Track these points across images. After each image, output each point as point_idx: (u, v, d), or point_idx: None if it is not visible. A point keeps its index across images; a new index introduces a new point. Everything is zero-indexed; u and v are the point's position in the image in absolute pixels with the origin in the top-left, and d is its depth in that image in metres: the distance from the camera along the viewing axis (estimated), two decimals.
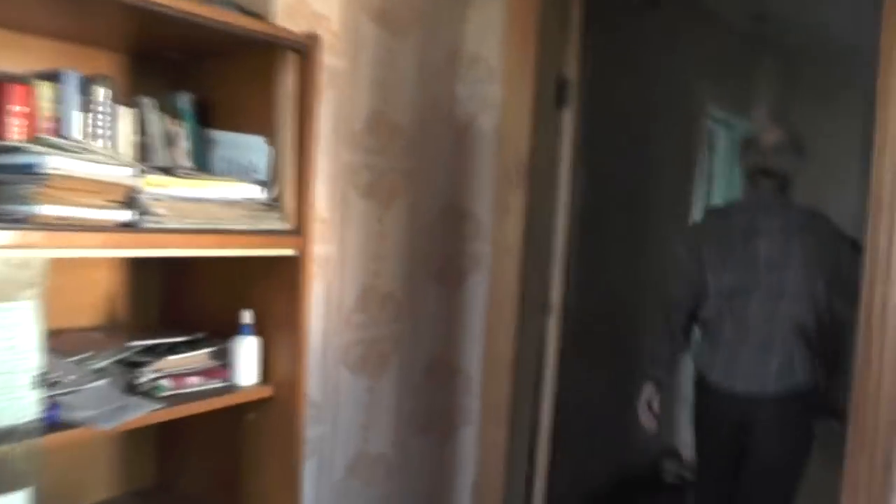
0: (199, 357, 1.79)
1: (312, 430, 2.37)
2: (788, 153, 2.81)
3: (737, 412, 2.78)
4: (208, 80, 1.96)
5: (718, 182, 6.00)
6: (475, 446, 2.95)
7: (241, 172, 1.86)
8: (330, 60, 2.30)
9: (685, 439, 5.19)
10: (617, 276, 4.11)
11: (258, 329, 1.87)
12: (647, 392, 2.94)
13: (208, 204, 1.66)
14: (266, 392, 1.88)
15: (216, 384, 1.80)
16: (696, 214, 5.28)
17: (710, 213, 3.19)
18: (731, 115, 5.82)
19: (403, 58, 2.62)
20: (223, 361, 1.85)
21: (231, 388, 1.82)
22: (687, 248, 2.88)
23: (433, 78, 2.77)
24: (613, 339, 4.15)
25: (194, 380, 1.75)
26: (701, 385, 2.92)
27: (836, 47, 6.30)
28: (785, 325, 2.69)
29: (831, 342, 2.71)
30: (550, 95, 2.78)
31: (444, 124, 2.84)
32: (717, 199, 6.03)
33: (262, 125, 1.86)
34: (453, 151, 2.88)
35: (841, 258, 2.65)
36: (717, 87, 5.36)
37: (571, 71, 2.82)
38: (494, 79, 2.80)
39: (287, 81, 1.82)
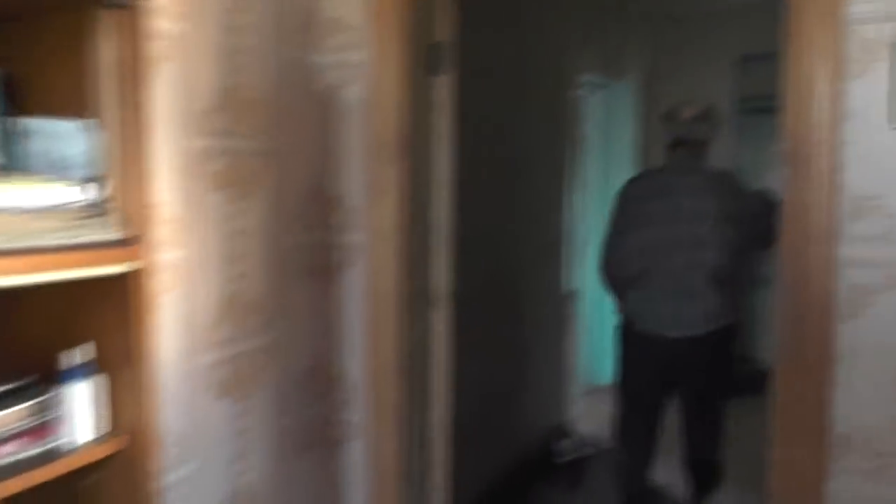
0: (14, 415, 1.36)
1: (175, 474, 2.00)
2: (704, 124, 3.22)
3: (668, 353, 3.11)
4: (14, 51, 1.54)
5: (593, 150, 5.88)
6: (365, 461, 2.64)
7: (56, 168, 1.46)
8: (165, 24, 1.91)
9: (575, 416, 5.08)
10: (500, 255, 3.89)
11: (101, 366, 1.48)
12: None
13: (8, 214, 1.26)
14: (107, 449, 1.48)
15: (37, 449, 1.38)
16: (575, 184, 5.14)
17: (635, 177, 3.41)
18: (603, 80, 5.69)
19: (256, 20, 2.24)
20: (51, 415, 1.43)
21: (57, 453, 1.41)
22: (616, 208, 3.24)
23: (291, 44, 2.41)
24: (500, 322, 3.93)
25: (7, 448, 1.34)
26: (630, 331, 3.23)
27: (703, 9, 6.33)
28: (706, 272, 3.03)
29: (743, 281, 3.23)
30: (423, 61, 2.47)
31: (307, 97, 2.49)
32: (597, 169, 5.93)
33: (79, 106, 1.46)
34: (319, 128, 2.54)
35: (747, 208, 3.08)
36: (590, 52, 5.20)
37: (445, 34, 2.52)
38: (361, 44, 2.46)
39: (106, 48, 1.43)
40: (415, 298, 2.51)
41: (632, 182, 3.34)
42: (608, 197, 5.94)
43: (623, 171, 5.87)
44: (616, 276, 3.20)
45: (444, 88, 2.51)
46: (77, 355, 1.44)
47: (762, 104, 6.70)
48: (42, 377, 1.44)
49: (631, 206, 3.18)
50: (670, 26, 6.39)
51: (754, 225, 2.99)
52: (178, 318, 2.00)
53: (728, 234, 3.03)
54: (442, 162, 2.59)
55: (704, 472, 3.31)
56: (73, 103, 1.46)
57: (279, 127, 2.35)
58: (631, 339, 3.24)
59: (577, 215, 5.61)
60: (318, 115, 2.52)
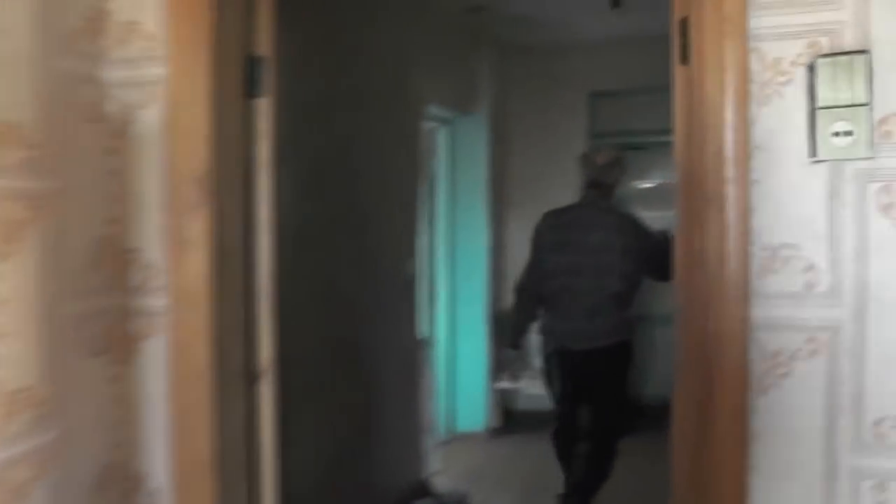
0: None
1: None
2: (614, 169, 3.74)
3: (577, 363, 3.68)
4: None
5: (441, 188, 5.51)
6: None
7: None
8: None
9: (436, 470, 4.64)
10: (341, 308, 3.39)
11: None
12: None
13: None
14: None
15: None
16: (425, 223, 4.73)
17: (552, 211, 3.88)
18: (452, 113, 5.34)
19: (15, 21, 1.69)
20: None
21: None
22: (535, 237, 3.85)
23: (67, 53, 1.86)
24: (342, 381, 3.43)
25: None
26: (547, 347, 3.83)
27: (554, 41, 6.14)
28: (607, 295, 3.59)
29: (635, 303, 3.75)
30: (238, 79, 1.97)
31: (92, 122, 1.94)
32: (445, 207, 5.56)
33: None
34: (109, 162, 1.99)
35: (646, 245, 3.59)
36: (437, 81, 4.84)
37: (265, 47, 2.04)
38: (161, 56, 1.94)
39: None
40: (233, 374, 1.99)
41: (549, 215, 3.87)
42: (457, 238, 5.71)
43: (473, 209, 5.53)
44: (532, 295, 3.83)
45: (264, 114, 2.02)
46: None
47: (614, 141, 6.61)
48: None
49: (547, 235, 3.79)
50: (521, 59, 6.16)
51: (653, 260, 3.46)
52: None
53: (628, 265, 3.59)
54: (263, 205, 2.08)
55: (596, 468, 3.88)
56: None
57: (52, 160, 1.79)
58: (549, 354, 3.84)
59: (427, 257, 5.21)
60: (107, 144, 1.97)
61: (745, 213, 1.52)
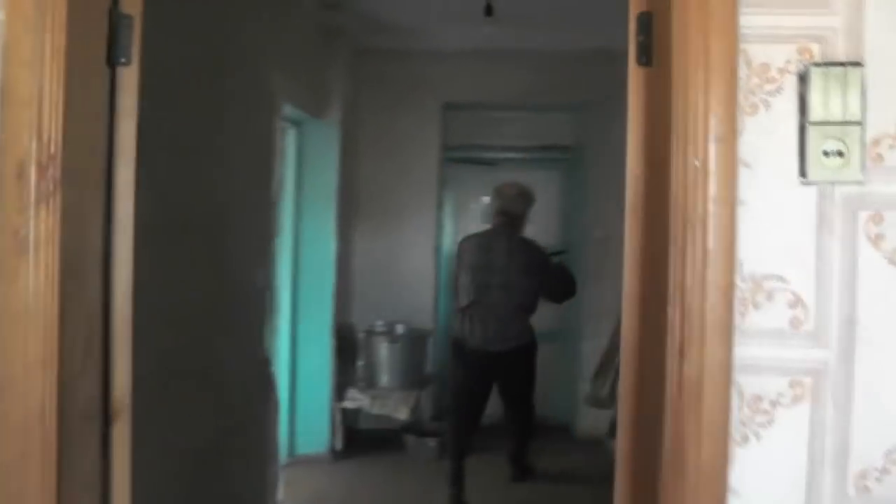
0: None
1: None
2: (521, 200, 4.54)
3: (488, 363, 4.41)
4: None
5: (289, 192, 5.10)
6: None
7: None
8: None
9: (282, 496, 4.21)
10: (181, 330, 2.92)
11: None
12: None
13: None
14: None
15: None
16: (278, 234, 4.31)
17: (469, 236, 4.64)
18: (301, 114, 4.95)
19: None
20: None
21: None
22: (456, 258, 4.55)
23: None
24: (192, 408, 2.96)
25: None
26: (460, 350, 4.48)
27: (411, 48, 5.88)
28: (514, 306, 4.40)
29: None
30: (100, 40, 1.53)
31: None
32: (291, 216, 5.14)
33: None
34: None
35: (543, 265, 4.48)
36: (289, 79, 4.44)
37: (134, 4, 1.61)
38: None
39: None
40: (81, 417, 1.55)
41: (467, 239, 4.63)
42: (302, 248, 5.29)
43: (320, 218, 5.17)
44: (456, 305, 4.54)
45: (128, 86, 1.58)
46: None
47: (466, 155, 6.47)
48: None
49: (465, 255, 4.49)
50: (376, 64, 5.86)
51: (549, 281, 4.48)
52: None
53: (529, 282, 4.42)
54: (122, 200, 1.65)
55: (521, 436, 4.87)
56: None
57: None
58: (461, 350, 4.51)
59: (275, 269, 4.79)
60: None
61: (731, 237, 1.30)
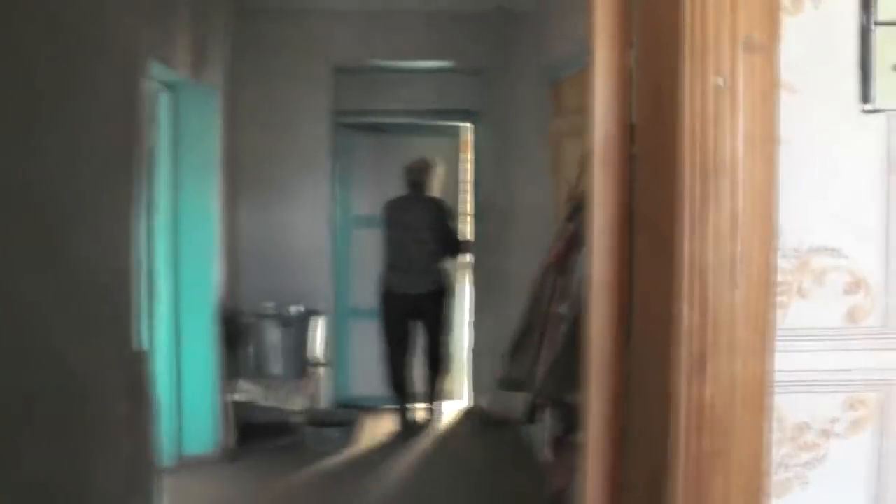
0: None
1: None
2: (425, 171, 5.19)
3: (410, 304, 5.07)
4: None
5: (164, 164, 4.45)
6: None
7: None
8: None
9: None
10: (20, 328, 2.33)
11: None
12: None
13: None
14: None
15: None
16: (144, 209, 3.69)
17: (390, 200, 5.17)
18: (175, 76, 4.29)
19: None
20: None
21: None
22: (381, 218, 5.13)
23: None
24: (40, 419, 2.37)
25: None
26: (387, 294, 5.07)
27: (298, 7, 5.28)
28: (427, 254, 5.05)
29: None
30: None
31: None
32: (167, 188, 4.48)
33: None
34: None
35: (446, 220, 5.13)
36: (159, 32, 3.80)
37: None
38: None
39: None
40: None
41: (388, 202, 5.16)
42: (181, 226, 4.65)
43: (200, 193, 4.54)
44: (384, 260, 5.09)
45: None
46: None
47: (359, 120, 5.92)
48: None
49: (386, 215, 5.09)
50: (261, 23, 5.23)
51: (450, 235, 5.15)
52: None
53: (437, 234, 5.06)
54: None
55: (437, 367, 5.28)
56: None
57: None
58: (389, 296, 5.07)
59: (144, 250, 4.16)
60: None
61: (770, 194, 0.86)
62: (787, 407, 0.89)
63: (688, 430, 0.86)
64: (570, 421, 2.82)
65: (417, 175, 5.15)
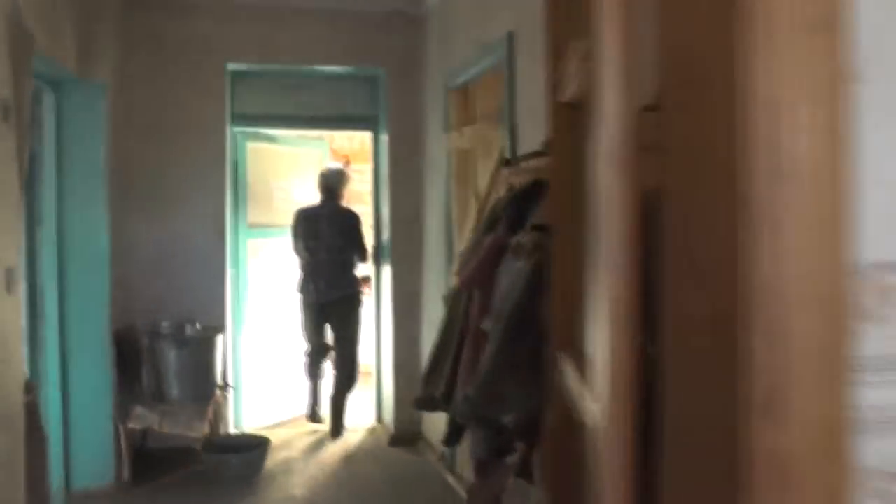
0: None
1: None
2: (338, 179, 5.49)
3: (321, 310, 5.38)
4: None
5: (49, 171, 4.05)
6: None
7: None
8: None
9: None
10: None
11: None
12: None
13: None
14: None
15: None
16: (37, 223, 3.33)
17: (302, 208, 5.44)
18: (61, 72, 3.94)
19: None
20: None
21: None
22: (293, 229, 5.41)
23: None
24: None
25: None
26: (304, 302, 5.40)
27: (192, 3, 4.96)
28: (339, 263, 5.36)
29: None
30: None
31: None
32: (52, 198, 4.08)
33: None
34: None
35: (357, 230, 5.43)
36: (44, 22, 3.45)
37: None
38: None
39: None
40: None
41: (301, 211, 5.40)
42: (68, 239, 4.21)
43: (89, 202, 4.17)
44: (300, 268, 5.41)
45: None
46: None
47: (259, 127, 5.62)
48: None
49: (299, 224, 5.35)
50: (154, 19, 4.89)
51: (362, 244, 5.45)
52: None
53: (347, 243, 5.37)
54: None
55: (345, 375, 5.44)
56: None
57: None
58: (305, 307, 5.39)
59: (35, 268, 3.78)
60: None
61: (847, 198, 0.72)
62: (870, 450, 0.76)
63: (758, 485, 0.71)
64: (497, 444, 2.68)
65: (334, 183, 5.37)
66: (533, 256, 2.42)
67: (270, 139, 5.70)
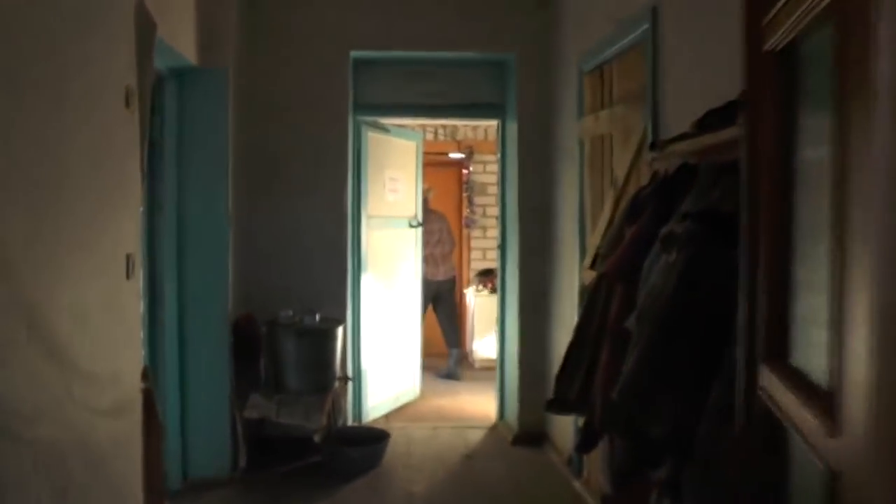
0: None
1: None
2: (427, 195, 6.71)
3: (435, 287, 6.84)
4: None
5: (171, 158, 3.99)
6: None
7: None
8: None
9: None
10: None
11: None
12: None
13: None
14: None
15: None
16: (158, 210, 3.23)
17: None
18: (182, 61, 3.85)
19: None
20: None
21: None
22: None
23: None
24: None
25: None
26: (425, 280, 6.45)
27: None
28: (445, 255, 6.97)
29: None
30: None
31: None
32: (172, 182, 4.00)
33: None
34: None
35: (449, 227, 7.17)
36: (164, 12, 3.34)
37: None
38: None
39: None
40: None
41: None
42: (188, 227, 4.14)
43: (211, 190, 4.08)
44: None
45: None
46: None
47: (381, 114, 5.47)
48: None
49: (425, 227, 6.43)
50: (272, 8, 4.80)
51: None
52: None
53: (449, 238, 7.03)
54: None
55: (452, 341, 6.98)
56: None
57: None
58: (425, 282, 6.37)
59: (146, 252, 3.71)
60: None
61: None
62: None
63: None
64: (640, 455, 2.34)
65: (426, 195, 6.44)
66: (687, 249, 2.08)
67: (384, 129, 5.53)
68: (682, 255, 2.08)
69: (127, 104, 2.88)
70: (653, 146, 2.70)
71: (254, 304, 4.61)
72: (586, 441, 2.85)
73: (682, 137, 2.47)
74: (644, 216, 2.59)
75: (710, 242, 2.06)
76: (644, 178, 3.15)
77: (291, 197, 4.84)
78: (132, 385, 2.92)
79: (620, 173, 3.40)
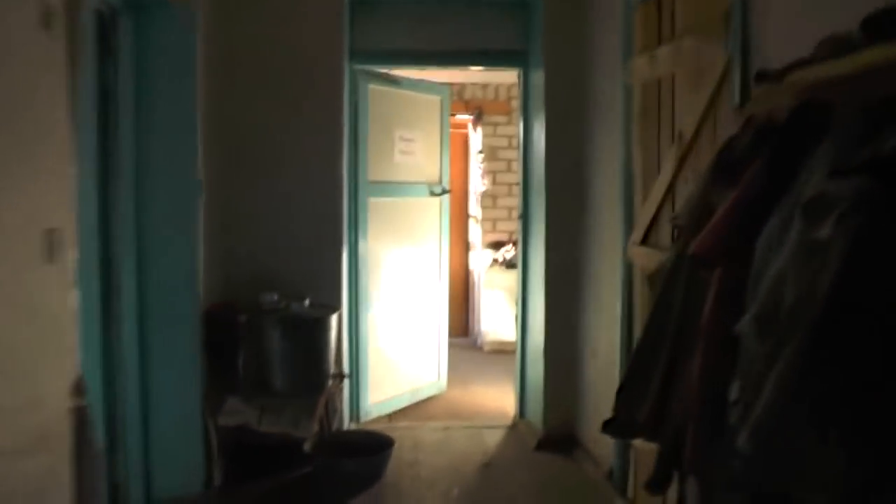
0: None
1: None
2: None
3: None
4: None
5: (127, 118, 3.23)
6: None
7: None
8: None
9: None
10: None
11: None
12: None
13: None
14: None
15: None
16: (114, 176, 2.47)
17: None
18: None
19: None
20: None
21: None
22: None
23: None
24: None
25: None
26: None
27: None
28: None
29: None
30: None
31: None
32: (131, 143, 3.24)
33: None
34: None
35: None
36: None
37: None
38: None
39: None
40: None
41: None
42: (148, 200, 3.33)
43: (177, 156, 3.35)
44: None
45: None
46: None
47: (382, 65, 4.74)
48: None
49: None
50: None
51: None
52: None
53: None
54: None
55: None
56: None
57: None
58: None
59: (97, 234, 2.97)
60: None
61: None
62: None
63: None
64: None
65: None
66: (853, 218, 1.37)
67: (392, 82, 4.78)
68: (843, 229, 1.37)
69: (46, 25, 2.14)
70: (761, 77, 1.97)
71: (232, 288, 3.89)
72: (660, 477, 2.14)
73: (810, 62, 1.75)
74: (749, 175, 1.87)
75: (888, 208, 1.36)
76: (721, 130, 2.44)
77: (276, 164, 4.10)
78: (58, 407, 2.22)
79: (688, 125, 2.67)
